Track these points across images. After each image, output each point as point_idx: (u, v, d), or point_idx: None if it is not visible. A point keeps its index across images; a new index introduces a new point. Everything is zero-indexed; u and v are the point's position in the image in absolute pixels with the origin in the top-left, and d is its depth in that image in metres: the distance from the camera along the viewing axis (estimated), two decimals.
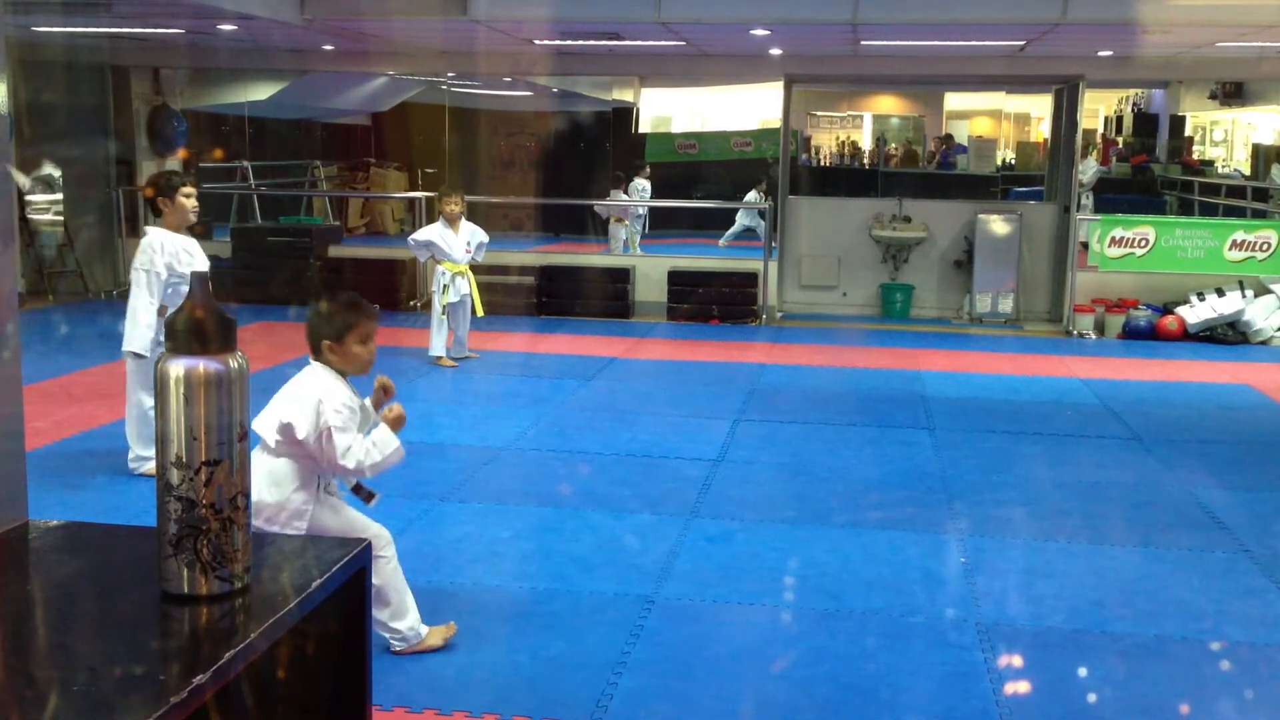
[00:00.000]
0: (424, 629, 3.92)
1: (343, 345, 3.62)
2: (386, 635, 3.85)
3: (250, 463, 1.51)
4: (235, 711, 1.59)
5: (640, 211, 14.51)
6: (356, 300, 3.73)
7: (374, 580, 3.68)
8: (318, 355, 3.66)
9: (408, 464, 6.20)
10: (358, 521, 3.78)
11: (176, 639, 1.40)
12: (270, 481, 3.60)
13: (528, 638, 4.10)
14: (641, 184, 14.42)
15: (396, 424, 3.64)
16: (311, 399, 3.54)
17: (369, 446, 3.56)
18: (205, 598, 1.45)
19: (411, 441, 6.74)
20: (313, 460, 3.61)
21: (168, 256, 5.63)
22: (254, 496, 3.55)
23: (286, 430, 3.55)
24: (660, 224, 15.21)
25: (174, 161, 13.43)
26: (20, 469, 1.72)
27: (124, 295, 12.73)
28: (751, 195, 14.02)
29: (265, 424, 3.61)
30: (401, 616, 3.85)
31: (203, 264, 5.83)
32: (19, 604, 1.47)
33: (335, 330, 3.61)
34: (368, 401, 3.75)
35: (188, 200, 5.72)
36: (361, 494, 3.80)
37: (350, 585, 1.60)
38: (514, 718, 3.52)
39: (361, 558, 1.62)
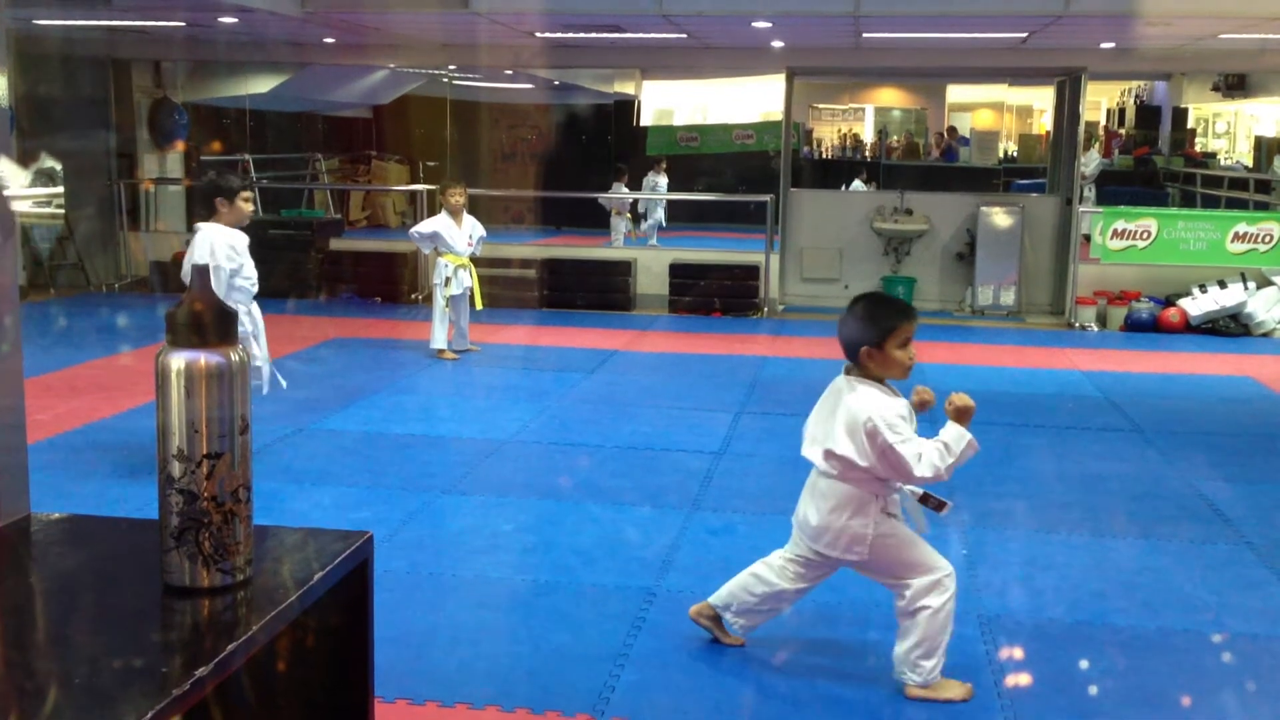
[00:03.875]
0: (940, 676, 3.62)
1: (883, 351, 3.48)
2: (906, 670, 3.60)
3: (250, 455, 1.51)
4: (237, 704, 1.59)
5: (658, 204, 14.50)
6: (897, 301, 3.62)
7: (926, 614, 3.53)
8: (854, 361, 3.53)
9: (409, 456, 6.24)
10: (927, 557, 3.58)
11: (178, 631, 1.40)
12: (828, 507, 3.56)
13: (530, 630, 4.11)
14: (656, 180, 14.40)
15: (962, 416, 3.43)
16: (859, 423, 3.42)
17: (939, 448, 3.38)
18: (207, 590, 1.45)
19: (413, 434, 6.78)
20: (877, 483, 3.50)
21: (226, 249, 5.76)
22: (815, 521, 3.60)
23: (844, 462, 3.48)
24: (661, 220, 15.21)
25: (174, 154, 13.43)
26: (22, 462, 1.72)
27: (125, 288, 12.72)
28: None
29: (815, 452, 3.57)
30: (931, 656, 3.57)
31: (250, 262, 5.93)
32: (21, 597, 1.47)
33: (876, 334, 3.47)
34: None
35: (246, 205, 5.94)
36: (930, 503, 3.61)
37: (352, 578, 1.60)
38: (516, 709, 3.52)
39: (363, 550, 1.62)
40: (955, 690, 3.62)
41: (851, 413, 3.46)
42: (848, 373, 3.58)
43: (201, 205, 5.99)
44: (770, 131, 14.19)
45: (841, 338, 3.57)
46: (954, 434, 3.42)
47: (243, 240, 5.90)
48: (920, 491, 3.62)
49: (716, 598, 3.92)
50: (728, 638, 3.94)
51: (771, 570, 3.81)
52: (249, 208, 5.96)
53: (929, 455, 3.38)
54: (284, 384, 6.28)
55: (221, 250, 5.73)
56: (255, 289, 5.99)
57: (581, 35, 11.29)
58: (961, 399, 3.45)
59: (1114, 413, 7.58)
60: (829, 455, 3.53)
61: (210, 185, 5.97)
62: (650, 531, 5.16)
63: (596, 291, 11.62)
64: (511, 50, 12.60)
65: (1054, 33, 10.10)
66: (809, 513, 3.66)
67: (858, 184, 16.15)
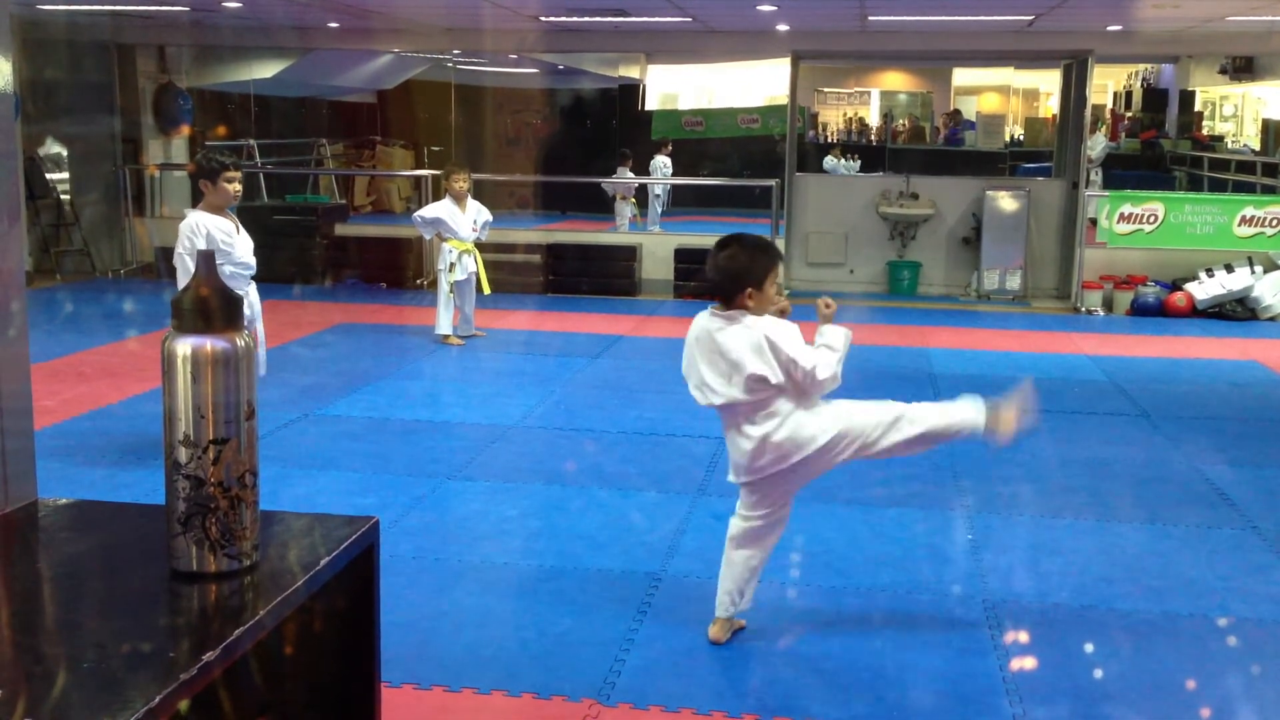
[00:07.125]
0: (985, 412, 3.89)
1: (762, 291, 3.64)
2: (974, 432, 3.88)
3: (256, 441, 1.51)
4: (244, 689, 1.59)
5: (658, 190, 14.47)
6: (767, 242, 3.77)
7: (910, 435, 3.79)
8: (732, 304, 3.65)
9: (415, 442, 6.25)
10: (875, 413, 3.79)
11: (185, 616, 1.41)
12: (764, 430, 3.64)
13: (535, 615, 4.12)
14: (662, 161, 14.37)
15: (830, 310, 3.73)
16: (761, 343, 3.57)
17: (825, 349, 3.63)
18: (214, 575, 1.45)
19: (419, 419, 6.79)
20: (791, 393, 3.63)
21: (203, 238, 5.61)
22: (754, 440, 3.62)
23: (760, 383, 3.58)
24: (666, 201, 15.17)
25: (179, 140, 13.42)
26: (29, 448, 1.73)
27: (131, 274, 12.72)
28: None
29: (730, 388, 3.63)
30: (951, 414, 3.88)
31: (245, 245, 5.83)
32: (28, 582, 1.47)
33: (758, 277, 3.62)
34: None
35: (229, 185, 5.72)
36: None
37: (358, 563, 1.60)
38: (521, 694, 3.53)
39: (369, 535, 1.62)
40: (1012, 410, 3.82)
41: (748, 337, 3.59)
42: (714, 313, 3.69)
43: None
44: (775, 116, 14.15)
45: (720, 279, 3.67)
46: (833, 333, 3.67)
47: (227, 225, 5.74)
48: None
49: (730, 609, 3.87)
50: (734, 624, 3.95)
51: (737, 544, 3.84)
52: (234, 188, 5.71)
53: (824, 360, 3.59)
54: (262, 371, 6.18)
55: (199, 241, 5.56)
56: (252, 272, 5.89)
57: (586, 19, 11.25)
58: (828, 300, 3.77)
59: (1120, 397, 7.57)
60: (750, 379, 3.59)
61: (195, 169, 5.82)
62: (656, 516, 5.16)
63: (601, 277, 11.61)
64: (516, 35, 12.57)
65: (1060, 15, 10.05)
66: (742, 445, 3.69)
67: (832, 160, 16.09)
